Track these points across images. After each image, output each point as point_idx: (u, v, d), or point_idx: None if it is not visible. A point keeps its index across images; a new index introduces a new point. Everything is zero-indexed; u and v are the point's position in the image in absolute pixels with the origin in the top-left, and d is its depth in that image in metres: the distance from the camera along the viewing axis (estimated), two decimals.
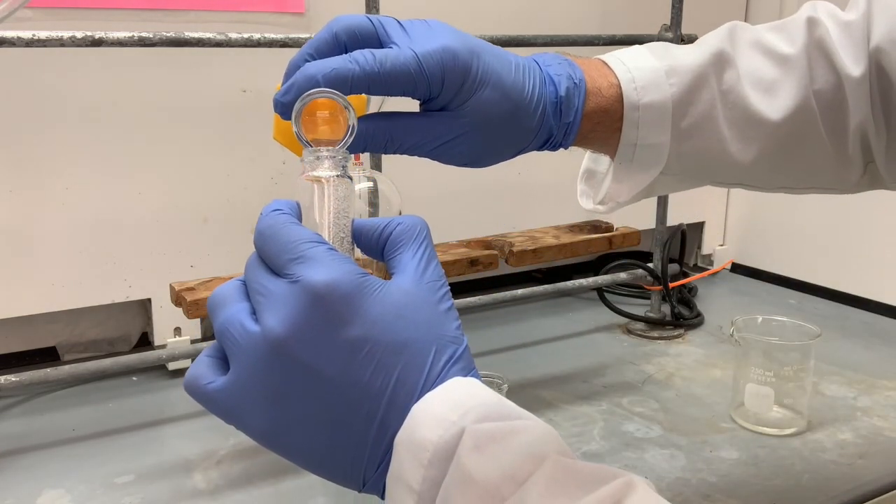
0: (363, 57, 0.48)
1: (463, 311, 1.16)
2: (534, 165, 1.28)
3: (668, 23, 1.16)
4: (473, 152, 0.55)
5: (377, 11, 0.92)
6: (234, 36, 0.87)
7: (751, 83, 0.60)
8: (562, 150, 0.61)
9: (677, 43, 1.17)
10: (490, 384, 0.70)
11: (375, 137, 0.52)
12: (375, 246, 0.44)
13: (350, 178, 0.44)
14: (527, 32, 1.05)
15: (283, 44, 0.89)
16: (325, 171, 0.43)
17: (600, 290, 1.29)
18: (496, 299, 1.15)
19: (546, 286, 1.22)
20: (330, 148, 0.44)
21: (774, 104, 0.59)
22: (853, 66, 0.58)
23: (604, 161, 0.66)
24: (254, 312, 0.40)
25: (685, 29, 1.17)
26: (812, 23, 0.60)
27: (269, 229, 0.41)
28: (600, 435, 0.90)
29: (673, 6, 1.16)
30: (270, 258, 0.41)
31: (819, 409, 0.96)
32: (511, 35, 1.04)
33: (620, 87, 0.58)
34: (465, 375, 0.41)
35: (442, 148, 0.54)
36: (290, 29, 1.05)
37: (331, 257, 0.39)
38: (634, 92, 0.58)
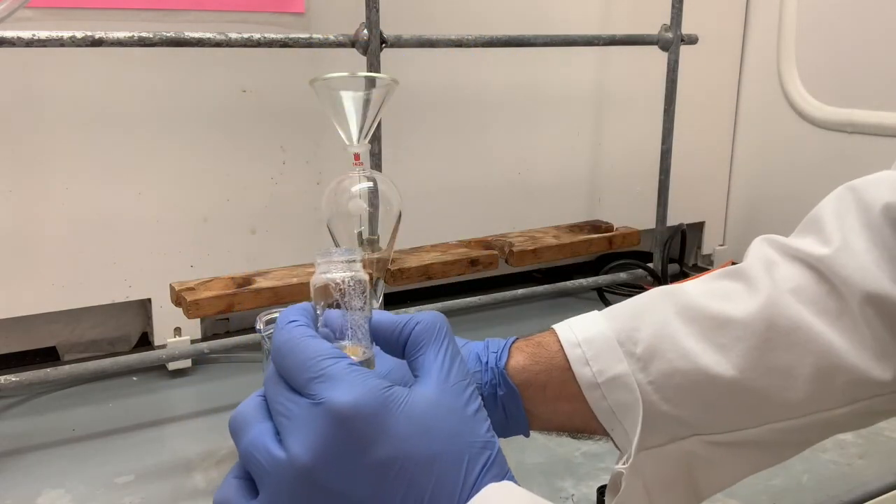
0: None
1: (463, 311, 1.16)
2: (534, 165, 1.28)
3: (668, 23, 1.16)
4: None
5: (377, 12, 0.92)
6: (234, 36, 0.87)
7: (705, 297, 0.53)
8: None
9: (677, 43, 1.17)
10: None
11: None
12: (395, 345, 0.43)
13: (365, 278, 0.44)
14: (527, 32, 1.05)
15: (283, 44, 0.89)
16: (339, 272, 0.43)
17: (600, 290, 1.29)
18: (496, 299, 1.15)
19: (546, 286, 1.22)
20: (341, 249, 0.44)
21: (740, 304, 0.52)
22: (825, 245, 0.51)
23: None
24: (277, 433, 0.39)
25: (685, 29, 1.17)
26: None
27: (287, 345, 0.40)
28: None
29: (673, 6, 1.16)
30: (291, 376, 0.39)
31: None
32: (511, 35, 1.04)
33: (555, 333, 0.54)
34: (501, 479, 0.39)
35: None
36: (290, 29, 1.05)
37: (352, 374, 0.38)
38: (569, 332, 0.54)
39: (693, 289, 0.54)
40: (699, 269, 1.52)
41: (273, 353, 0.40)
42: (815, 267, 0.52)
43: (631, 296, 1.40)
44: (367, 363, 0.42)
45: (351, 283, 0.43)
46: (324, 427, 0.37)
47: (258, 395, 0.41)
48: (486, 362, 0.53)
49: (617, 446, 0.54)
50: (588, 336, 0.53)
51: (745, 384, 0.51)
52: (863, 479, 0.81)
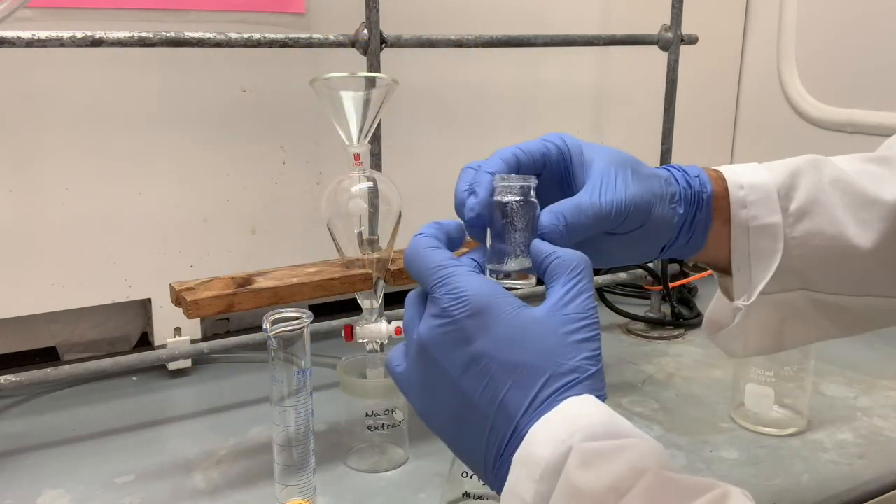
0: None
1: None
2: None
3: (668, 23, 1.16)
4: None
5: (377, 12, 0.92)
6: (234, 36, 0.87)
7: (857, 175, 0.60)
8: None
9: (677, 43, 1.17)
10: None
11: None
12: (539, 269, 0.51)
13: (533, 202, 0.52)
14: (527, 32, 1.05)
15: (283, 44, 0.89)
16: (509, 197, 0.52)
17: (600, 290, 1.29)
18: None
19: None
20: (516, 176, 0.53)
21: (889, 188, 0.58)
22: None
23: (726, 309, 0.64)
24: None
25: (685, 29, 1.17)
26: None
27: (411, 253, 0.50)
28: None
29: (673, 6, 1.16)
30: (420, 278, 0.49)
31: (819, 409, 0.96)
32: (511, 35, 1.04)
33: (722, 175, 0.60)
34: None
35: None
36: (290, 29, 1.05)
37: (467, 278, 0.47)
38: (735, 175, 0.60)
39: (844, 164, 0.61)
40: (699, 269, 1.52)
41: (404, 261, 0.51)
42: None
43: (631, 296, 1.41)
44: (521, 276, 0.52)
45: (515, 206, 0.52)
46: (436, 315, 0.46)
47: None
48: (689, 184, 0.60)
49: (723, 289, 0.62)
50: (752, 182, 0.59)
51: (874, 258, 0.58)
52: (863, 479, 0.81)
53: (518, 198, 0.52)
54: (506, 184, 0.52)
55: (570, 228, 0.53)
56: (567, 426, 0.43)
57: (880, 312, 0.61)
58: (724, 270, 0.62)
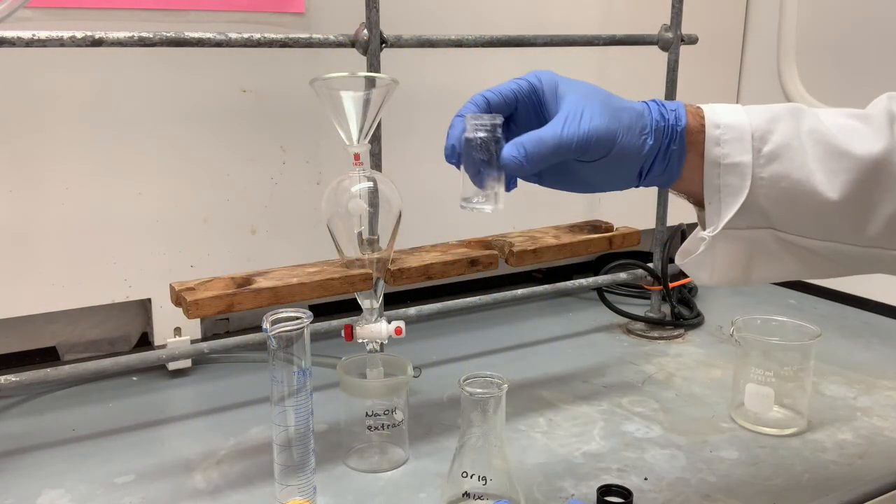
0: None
1: (463, 311, 1.16)
2: None
3: (668, 23, 1.16)
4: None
5: (377, 12, 0.92)
6: (234, 36, 0.87)
7: (835, 128, 0.62)
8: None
9: (677, 43, 1.17)
10: (490, 384, 0.70)
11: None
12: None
13: (500, 136, 0.62)
14: (527, 32, 1.05)
15: (283, 44, 0.89)
16: (475, 133, 0.62)
17: (600, 290, 1.29)
18: (496, 299, 1.15)
19: (546, 286, 1.22)
20: (486, 115, 0.62)
21: (861, 143, 0.61)
22: None
23: (697, 239, 0.67)
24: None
25: (685, 29, 1.17)
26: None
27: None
28: (600, 435, 0.90)
29: (673, 6, 1.16)
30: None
31: (819, 409, 0.96)
32: (511, 35, 1.04)
33: (702, 112, 0.64)
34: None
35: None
36: (290, 29, 1.05)
37: None
38: (715, 114, 0.63)
39: (825, 116, 0.64)
40: None
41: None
42: None
43: (631, 296, 1.41)
44: (488, 200, 0.63)
45: (480, 140, 0.62)
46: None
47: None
48: (663, 117, 0.63)
49: (700, 221, 0.67)
50: (729, 122, 0.63)
51: (838, 207, 0.61)
52: (863, 479, 0.81)
53: (483, 133, 0.61)
54: (474, 122, 0.62)
55: (529, 158, 0.59)
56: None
57: (842, 257, 0.64)
58: (700, 204, 0.65)
